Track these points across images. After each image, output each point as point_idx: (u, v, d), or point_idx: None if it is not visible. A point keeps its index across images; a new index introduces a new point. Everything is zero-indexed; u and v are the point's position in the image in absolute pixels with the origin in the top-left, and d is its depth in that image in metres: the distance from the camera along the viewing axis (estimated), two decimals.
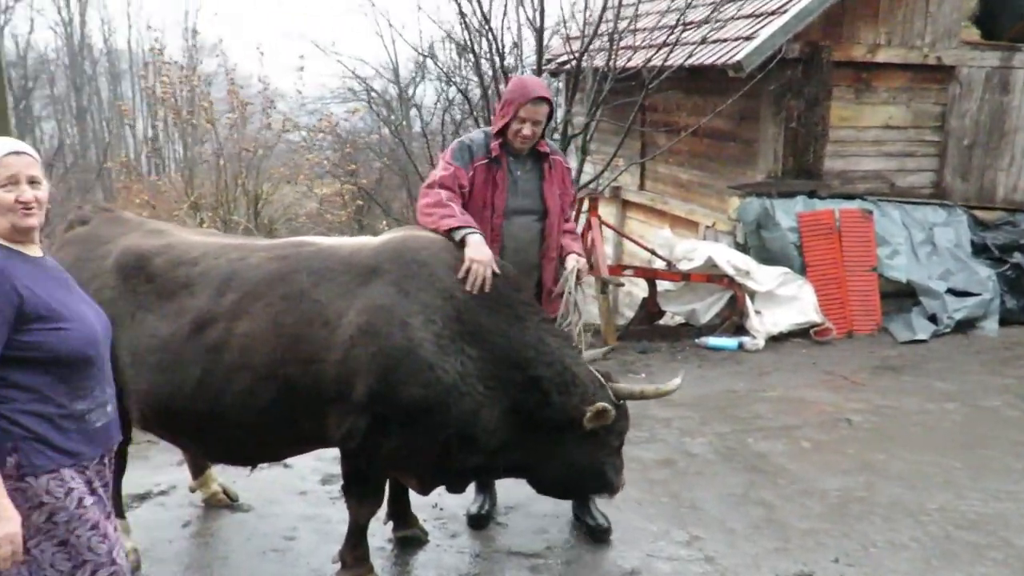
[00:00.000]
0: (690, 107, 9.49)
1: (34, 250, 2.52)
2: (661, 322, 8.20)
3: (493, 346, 3.40)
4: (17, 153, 2.43)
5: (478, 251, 3.43)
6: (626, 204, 11.40)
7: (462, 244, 3.48)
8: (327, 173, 12.96)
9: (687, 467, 5.06)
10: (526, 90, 3.82)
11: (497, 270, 3.46)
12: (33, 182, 2.43)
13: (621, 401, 3.63)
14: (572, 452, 3.54)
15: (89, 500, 2.48)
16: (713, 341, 7.45)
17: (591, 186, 8.56)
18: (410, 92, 18.36)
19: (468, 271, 3.39)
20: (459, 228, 3.54)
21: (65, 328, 2.41)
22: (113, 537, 2.55)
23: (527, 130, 3.81)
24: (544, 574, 3.91)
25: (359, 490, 3.59)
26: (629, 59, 8.28)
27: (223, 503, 4.48)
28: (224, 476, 4.61)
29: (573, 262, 4.00)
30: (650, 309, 7.95)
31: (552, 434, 3.51)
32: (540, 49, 7.80)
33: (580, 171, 8.20)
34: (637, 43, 8.38)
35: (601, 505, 4.26)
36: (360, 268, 3.40)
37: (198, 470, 4.46)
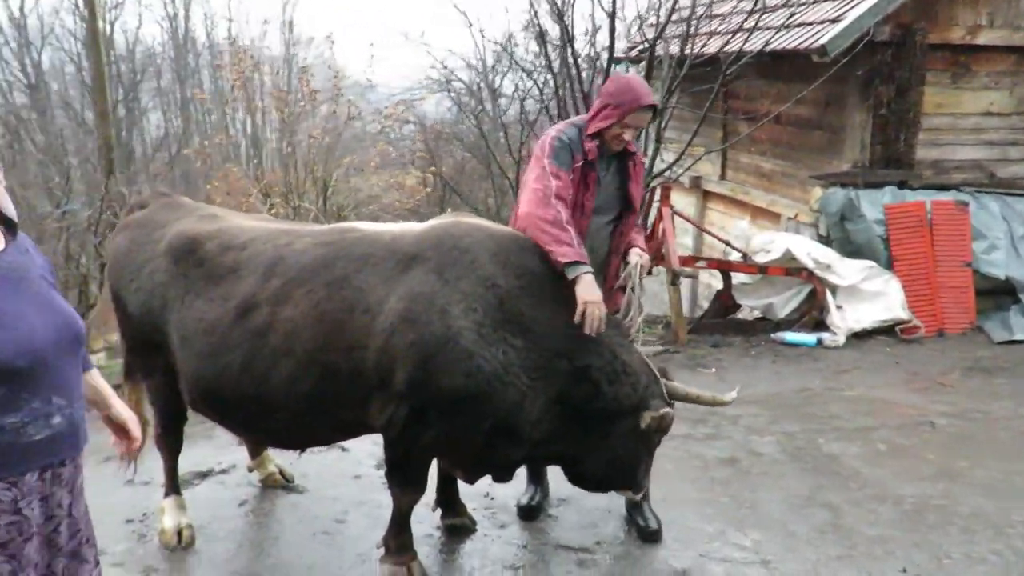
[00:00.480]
0: (773, 94, 9.14)
1: None
2: (738, 316, 7.91)
3: (538, 336, 3.28)
4: None
5: (591, 292, 3.28)
6: (707, 195, 11.09)
7: (573, 282, 3.31)
8: (394, 161, 13.01)
9: (751, 466, 4.85)
10: (636, 96, 3.57)
11: (604, 308, 3.36)
12: None
13: (672, 401, 3.49)
14: (617, 445, 3.43)
15: (4, 520, 2.31)
16: (790, 336, 7.14)
17: (666, 175, 8.32)
18: (496, 82, 18.29)
19: (584, 314, 3.25)
20: (575, 264, 3.33)
21: None
22: (26, 559, 2.37)
23: (629, 135, 3.63)
24: (591, 569, 3.80)
25: (401, 478, 3.56)
26: (704, 44, 8.00)
27: (279, 484, 4.53)
28: (282, 458, 4.67)
29: (636, 257, 3.83)
30: (724, 302, 7.69)
31: (601, 425, 3.40)
32: (612, 34, 7.60)
33: (653, 160, 7.98)
34: (715, 28, 8.08)
35: (655, 505, 4.12)
36: (402, 255, 3.35)
37: (256, 451, 4.52)
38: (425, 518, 4.14)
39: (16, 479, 2.33)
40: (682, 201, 11.85)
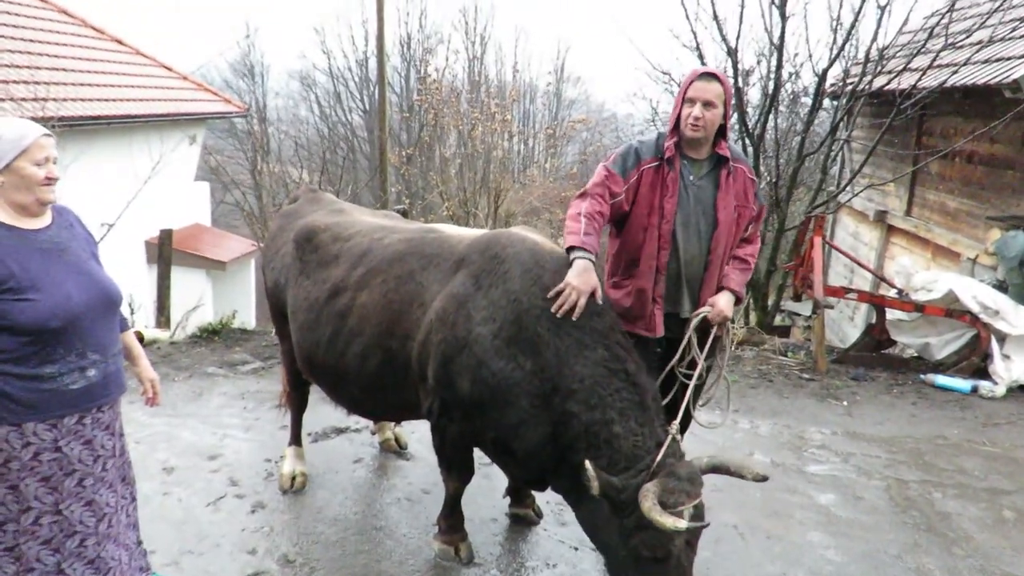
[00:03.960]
0: (968, 131, 7.52)
1: (34, 223, 2.34)
2: (891, 352, 6.58)
3: (545, 363, 2.71)
4: (48, 135, 2.28)
5: (579, 277, 2.71)
6: (891, 229, 9.44)
7: (571, 265, 2.78)
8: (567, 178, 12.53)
9: (845, 510, 3.91)
10: (693, 72, 2.99)
11: (599, 300, 2.73)
12: (55, 161, 2.31)
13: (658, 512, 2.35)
14: (592, 518, 2.70)
15: (47, 456, 2.31)
16: (941, 380, 5.78)
17: (829, 205, 7.13)
18: None
19: (560, 292, 2.71)
20: (572, 249, 2.79)
21: (30, 299, 2.21)
22: (66, 491, 2.36)
23: (697, 111, 2.86)
24: None
25: (445, 463, 3.22)
26: (872, 79, 6.71)
27: (392, 448, 4.39)
28: (406, 427, 4.51)
29: (704, 309, 3.01)
30: (876, 336, 6.41)
31: (579, 485, 2.63)
32: (780, 64, 6.58)
33: (818, 190, 6.86)
34: (886, 66, 6.76)
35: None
36: (456, 257, 3.01)
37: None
38: (498, 504, 3.78)
39: (56, 421, 2.32)
40: (868, 234, 10.30)
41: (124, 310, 2.85)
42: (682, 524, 2.32)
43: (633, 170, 2.98)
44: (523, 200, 10.20)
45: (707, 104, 2.87)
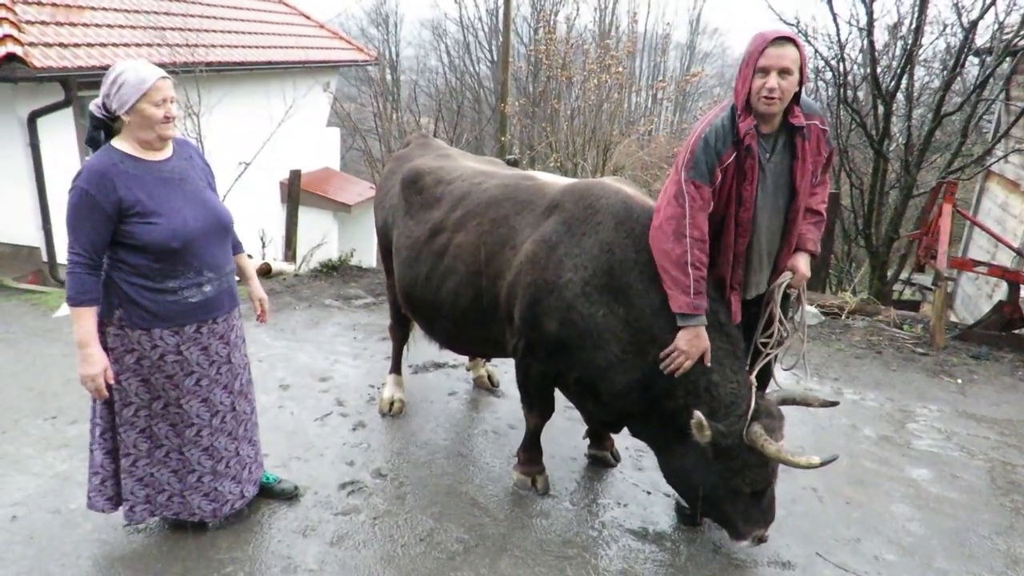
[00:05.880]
0: None
1: (158, 155, 2.65)
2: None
3: (639, 313, 2.84)
4: (164, 77, 2.55)
5: (689, 343, 2.74)
6: None
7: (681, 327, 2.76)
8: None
9: (938, 487, 3.79)
10: (763, 35, 2.63)
11: (708, 362, 2.77)
12: (174, 101, 2.60)
13: (757, 445, 2.67)
14: (684, 462, 2.88)
15: (171, 358, 2.70)
16: None
17: (964, 170, 6.61)
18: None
19: (668, 355, 2.78)
20: (683, 316, 2.72)
21: (154, 223, 2.54)
22: (186, 388, 2.75)
23: (772, 81, 2.58)
24: (695, 533, 3.32)
25: (527, 400, 3.42)
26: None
27: (485, 385, 4.65)
28: (500, 366, 4.77)
29: (786, 276, 2.93)
30: (1007, 313, 5.96)
31: (675, 432, 2.87)
32: (923, 9, 6.03)
33: (955, 155, 6.38)
34: None
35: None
36: (548, 202, 3.15)
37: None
38: (579, 444, 3.97)
39: (178, 328, 2.71)
40: (1019, 206, 9.43)
41: (255, 243, 3.24)
42: (816, 460, 2.54)
43: (715, 170, 2.72)
44: (633, 154, 10.04)
45: (783, 72, 2.59)
